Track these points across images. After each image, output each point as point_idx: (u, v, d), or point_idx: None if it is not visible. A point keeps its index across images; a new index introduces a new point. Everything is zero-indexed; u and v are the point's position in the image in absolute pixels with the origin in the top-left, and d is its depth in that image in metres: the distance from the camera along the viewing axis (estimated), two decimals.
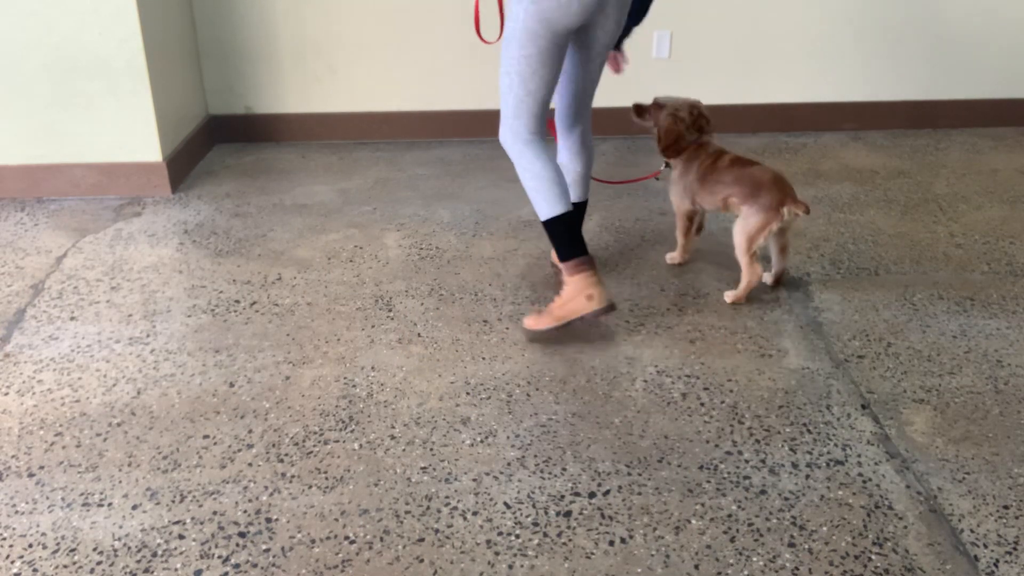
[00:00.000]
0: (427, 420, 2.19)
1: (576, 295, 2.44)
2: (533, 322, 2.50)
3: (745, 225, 2.65)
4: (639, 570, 1.75)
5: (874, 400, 2.26)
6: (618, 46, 2.70)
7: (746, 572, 1.74)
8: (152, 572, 1.75)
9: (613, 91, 3.95)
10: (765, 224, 2.62)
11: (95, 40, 3.34)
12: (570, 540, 1.82)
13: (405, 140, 4.23)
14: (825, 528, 1.85)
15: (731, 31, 4.09)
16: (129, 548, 1.81)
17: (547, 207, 2.44)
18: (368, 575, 1.74)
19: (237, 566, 1.76)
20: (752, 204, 2.64)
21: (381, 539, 1.83)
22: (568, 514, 1.89)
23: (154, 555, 1.79)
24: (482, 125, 4.20)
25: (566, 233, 2.45)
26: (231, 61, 4.05)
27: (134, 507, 1.92)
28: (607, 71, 2.82)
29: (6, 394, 2.31)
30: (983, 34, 4.15)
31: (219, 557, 1.78)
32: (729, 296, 2.72)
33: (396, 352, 2.48)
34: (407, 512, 1.90)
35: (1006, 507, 1.90)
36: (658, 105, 2.78)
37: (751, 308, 2.70)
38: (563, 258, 2.46)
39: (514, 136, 2.45)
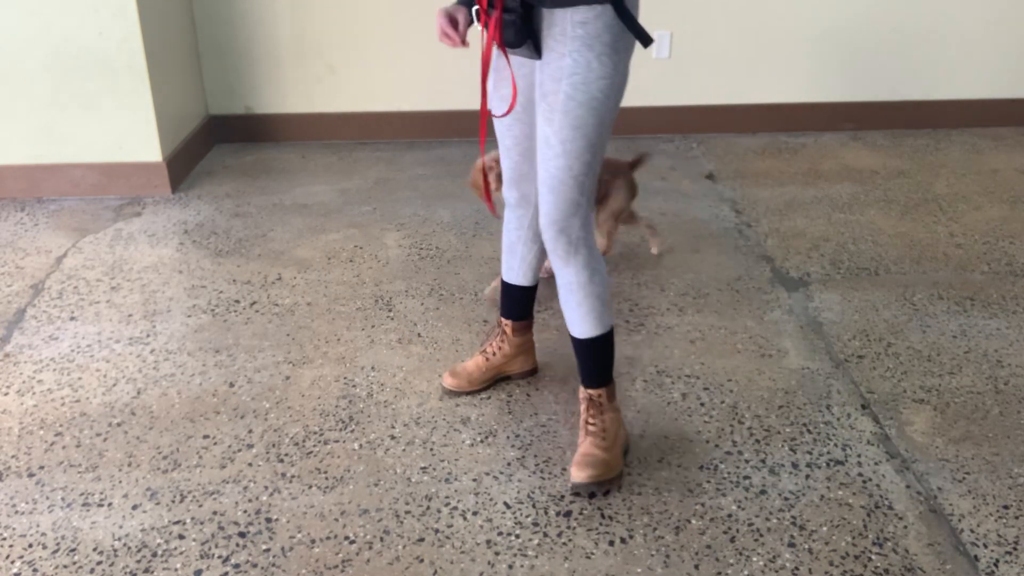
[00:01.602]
0: (427, 420, 2.19)
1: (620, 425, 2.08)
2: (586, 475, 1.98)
3: (615, 202, 2.83)
4: (639, 570, 1.75)
5: (874, 400, 2.26)
6: None
7: (746, 572, 1.74)
8: (152, 572, 1.75)
9: None
10: (629, 200, 2.86)
11: (95, 40, 3.34)
12: (570, 540, 1.82)
13: (405, 140, 4.23)
14: (825, 528, 1.85)
15: (731, 31, 4.09)
16: (129, 548, 1.81)
17: (608, 316, 1.99)
18: (368, 575, 1.74)
19: (237, 566, 1.76)
20: (615, 181, 2.81)
21: (381, 539, 1.83)
22: (568, 514, 1.89)
23: (154, 555, 1.79)
24: None
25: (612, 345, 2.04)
26: (231, 61, 4.05)
27: (134, 507, 1.92)
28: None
29: (6, 394, 2.31)
30: (983, 34, 4.15)
31: (219, 557, 1.78)
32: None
33: (396, 352, 2.48)
34: (407, 512, 1.90)
35: (1006, 507, 1.90)
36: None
37: (751, 308, 2.70)
38: (607, 382, 2.04)
39: (584, 228, 1.89)
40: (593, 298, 1.93)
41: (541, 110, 1.80)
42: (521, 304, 2.27)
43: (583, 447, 1.99)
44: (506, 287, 2.25)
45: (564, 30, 1.75)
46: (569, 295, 1.94)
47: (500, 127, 1.99)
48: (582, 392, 2.05)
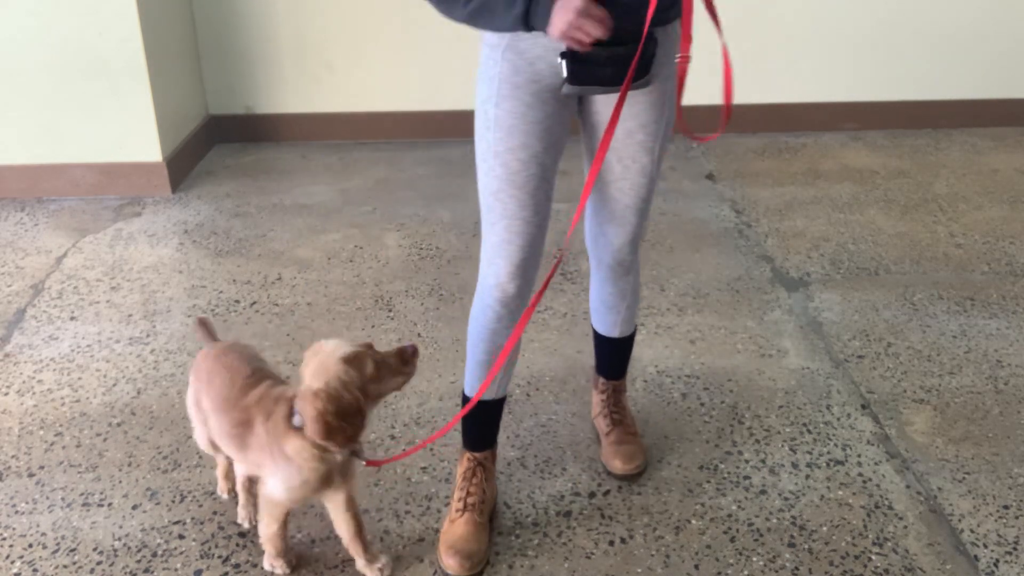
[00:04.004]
0: (427, 420, 2.19)
1: None
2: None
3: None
4: (639, 570, 1.75)
5: (874, 400, 2.26)
6: None
7: (746, 572, 1.74)
8: (152, 572, 1.75)
9: None
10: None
11: (95, 40, 3.34)
12: (570, 540, 1.82)
13: (405, 140, 4.23)
14: (825, 528, 1.85)
15: (731, 31, 4.08)
16: (129, 548, 1.81)
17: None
18: None
19: (237, 566, 1.76)
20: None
21: (381, 539, 1.83)
22: (568, 514, 1.89)
23: (154, 555, 1.79)
24: None
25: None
26: (231, 61, 4.04)
27: (134, 507, 1.92)
28: None
29: (6, 394, 2.31)
30: (983, 34, 4.15)
31: (219, 557, 1.78)
32: None
33: None
34: (407, 512, 1.90)
35: (1006, 507, 1.90)
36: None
37: (751, 308, 2.70)
38: (626, 370, 2.11)
39: None
40: (637, 297, 1.99)
41: (636, 142, 1.68)
42: (498, 421, 1.90)
43: (615, 435, 2.01)
44: (487, 408, 1.83)
45: (668, 50, 1.65)
46: (621, 301, 1.94)
47: (520, 196, 1.63)
48: (603, 385, 2.08)
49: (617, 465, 1.97)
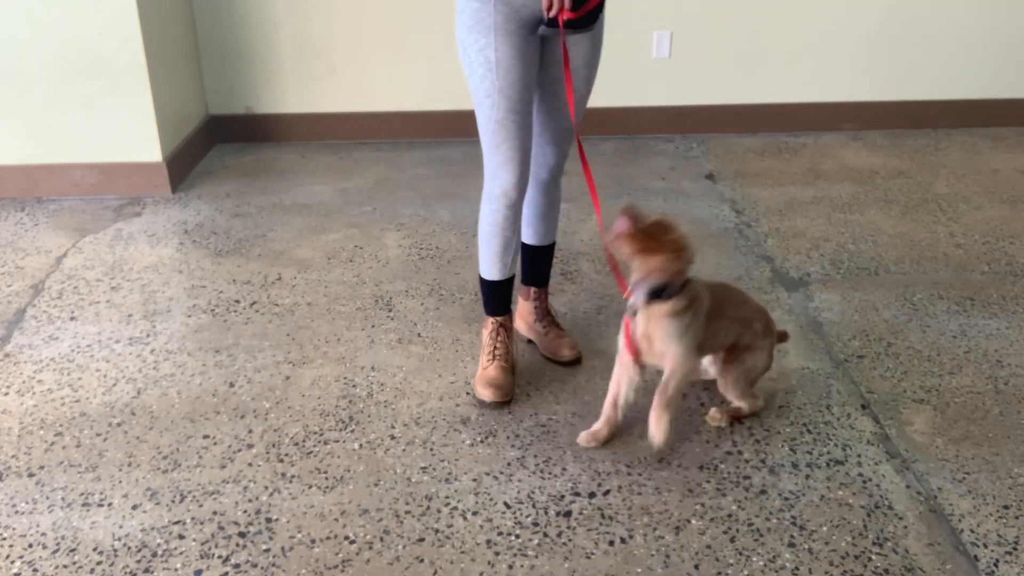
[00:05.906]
0: (427, 420, 2.19)
1: None
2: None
3: (759, 363, 2.15)
4: (639, 570, 1.75)
5: (874, 400, 2.26)
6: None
7: (746, 572, 1.74)
8: (152, 572, 1.75)
9: (614, 91, 3.95)
10: (772, 357, 2.20)
11: (95, 40, 3.34)
12: (570, 540, 1.82)
13: (405, 140, 4.23)
14: (825, 528, 1.85)
15: (731, 31, 4.09)
16: (129, 548, 1.81)
17: None
18: (368, 575, 1.74)
19: (237, 566, 1.76)
20: (766, 338, 2.16)
21: (381, 539, 1.83)
22: (568, 514, 1.89)
23: (154, 555, 1.79)
24: None
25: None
26: (231, 61, 4.05)
27: (134, 507, 1.92)
28: None
29: (6, 394, 2.31)
30: (983, 34, 4.15)
31: (219, 557, 1.78)
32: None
33: (396, 352, 2.48)
34: (407, 512, 1.90)
35: (1006, 507, 1.90)
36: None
37: None
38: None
39: None
40: (559, 207, 2.37)
41: (581, 77, 2.12)
42: (510, 294, 2.35)
43: (554, 333, 2.42)
44: (502, 285, 2.30)
45: None
46: (551, 209, 2.34)
47: (520, 120, 2.07)
48: (534, 293, 2.44)
49: (566, 352, 2.39)
